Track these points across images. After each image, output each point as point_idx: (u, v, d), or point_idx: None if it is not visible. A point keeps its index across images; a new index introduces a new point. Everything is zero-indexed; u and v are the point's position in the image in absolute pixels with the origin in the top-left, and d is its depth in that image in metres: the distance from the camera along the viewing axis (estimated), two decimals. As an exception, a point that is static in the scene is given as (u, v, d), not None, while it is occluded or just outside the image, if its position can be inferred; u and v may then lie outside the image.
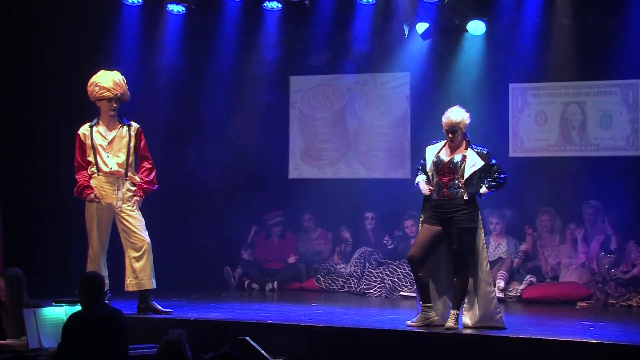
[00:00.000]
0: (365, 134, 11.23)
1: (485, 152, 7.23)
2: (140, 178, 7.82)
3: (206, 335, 6.98)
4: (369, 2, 10.16)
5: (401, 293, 9.74)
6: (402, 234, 10.32)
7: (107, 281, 7.67)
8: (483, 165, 7.16)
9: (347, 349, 6.94)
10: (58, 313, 6.77)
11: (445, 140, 7.28)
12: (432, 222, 7.21)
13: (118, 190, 7.76)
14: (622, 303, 9.19)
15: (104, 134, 7.80)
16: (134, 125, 7.87)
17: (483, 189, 7.17)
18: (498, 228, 9.95)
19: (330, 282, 10.31)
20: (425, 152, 7.38)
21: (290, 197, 11.14)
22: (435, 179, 7.22)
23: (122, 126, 7.82)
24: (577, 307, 9.13)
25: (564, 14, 9.96)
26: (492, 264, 9.79)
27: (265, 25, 10.59)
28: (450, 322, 7.07)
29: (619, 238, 9.57)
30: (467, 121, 7.21)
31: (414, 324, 7.16)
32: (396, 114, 11.13)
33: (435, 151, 7.29)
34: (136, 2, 10.01)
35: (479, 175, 7.16)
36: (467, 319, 7.21)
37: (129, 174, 7.80)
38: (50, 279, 8.97)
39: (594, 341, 6.56)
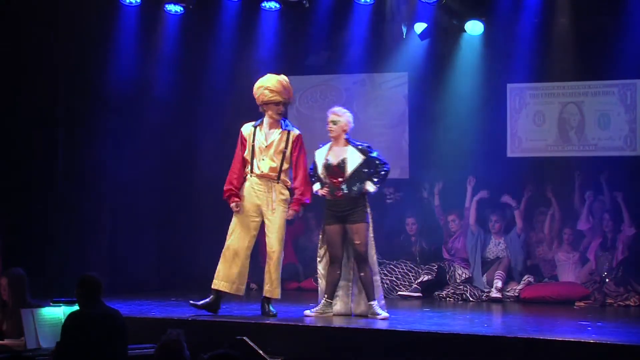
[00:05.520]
0: (363, 133, 11.16)
1: (364, 146, 7.77)
2: (295, 189, 7.82)
3: (204, 335, 6.99)
4: (367, 2, 10.16)
5: (399, 293, 9.74)
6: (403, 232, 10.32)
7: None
8: (364, 160, 7.69)
9: (345, 349, 6.94)
10: (56, 313, 6.77)
11: (331, 143, 7.81)
12: (332, 222, 7.73)
13: (269, 192, 7.77)
14: (620, 303, 9.20)
15: (265, 136, 7.82)
16: (294, 132, 7.87)
17: (370, 186, 7.69)
18: (497, 227, 9.95)
19: (328, 282, 10.30)
20: (314, 157, 7.85)
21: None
22: (327, 181, 7.72)
23: (283, 131, 7.83)
24: (575, 307, 9.14)
25: (562, 14, 9.97)
26: (490, 263, 9.83)
27: (263, 25, 10.58)
28: (381, 312, 7.63)
29: (615, 237, 9.59)
30: (349, 120, 7.79)
31: (313, 314, 7.70)
32: (394, 114, 11.13)
33: (323, 155, 7.80)
34: (134, 2, 10.01)
35: (364, 171, 7.69)
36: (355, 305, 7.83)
37: (282, 177, 7.80)
38: (48, 280, 8.96)
39: (591, 341, 6.57)
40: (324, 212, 7.84)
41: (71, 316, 5.92)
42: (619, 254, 9.46)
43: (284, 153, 7.80)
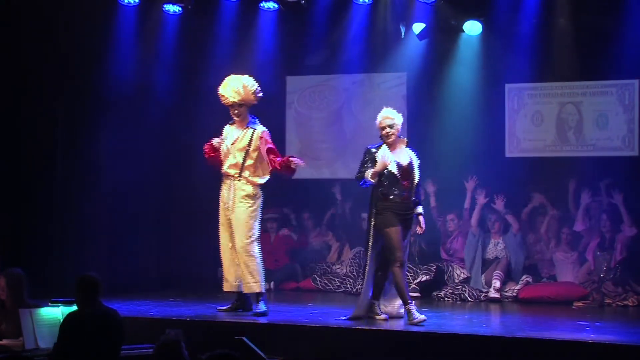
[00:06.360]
0: (362, 134, 11.21)
1: (417, 153, 7.62)
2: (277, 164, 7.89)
3: (203, 335, 6.99)
4: (365, 2, 10.18)
5: (398, 293, 9.73)
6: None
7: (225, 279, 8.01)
8: (419, 164, 7.55)
9: (345, 349, 6.94)
10: (54, 313, 6.75)
11: (382, 143, 7.51)
12: (396, 223, 7.41)
13: (230, 190, 7.87)
14: (618, 303, 9.20)
15: (233, 135, 7.95)
16: (259, 129, 7.95)
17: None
18: (496, 226, 9.96)
19: (326, 282, 10.31)
20: (369, 156, 7.52)
21: (288, 197, 11.14)
22: (399, 182, 7.40)
23: (247, 129, 7.93)
24: (573, 307, 9.14)
25: (561, 14, 9.98)
26: (488, 263, 9.83)
27: (262, 25, 10.59)
28: (381, 314, 7.60)
29: (613, 237, 9.60)
30: (402, 120, 7.57)
31: (416, 320, 7.28)
32: (393, 114, 11.11)
33: (388, 155, 7.45)
34: (132, 2, 10.02)
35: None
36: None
37: (244, 175, 7.88)
38: (47, 279, 8.96)
39: (590, 341, 6.58)
40: (382, 214, 7.44)
41: (69, 316, 5.92)
42: (617, 254, 9.47)
43: (247, 150, 7.90)
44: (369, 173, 7.43)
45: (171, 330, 5.06)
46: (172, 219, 10.72)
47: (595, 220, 9.75)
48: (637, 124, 10.15)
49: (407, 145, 7.63)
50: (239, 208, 7.84)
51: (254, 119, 8.05)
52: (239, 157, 7.88)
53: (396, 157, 7.47)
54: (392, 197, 7.40)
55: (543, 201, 9.98)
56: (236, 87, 7.87)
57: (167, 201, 10.65)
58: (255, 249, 7.82)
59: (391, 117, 7.50)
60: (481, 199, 9.98)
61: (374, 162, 7.46)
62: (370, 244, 7.55)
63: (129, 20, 10.13)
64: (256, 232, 7.86)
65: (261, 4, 10.31)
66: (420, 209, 7.61)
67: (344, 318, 7.47)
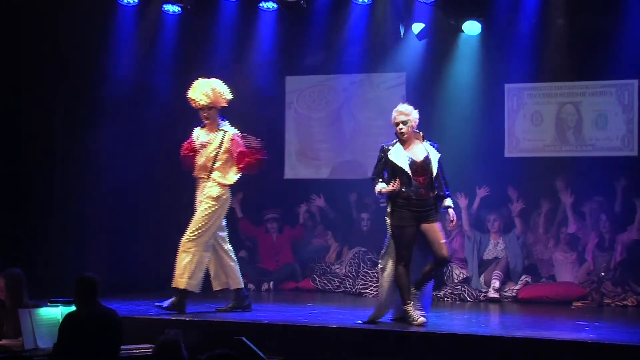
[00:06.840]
0: (361, 134, 11.23)
1: (436, 146, 7.40)
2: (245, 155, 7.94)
3: (202, 336, 7.00)
4: (364, 2, 10.19)
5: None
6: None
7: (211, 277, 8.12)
8: (439, 158, 7.32)
9: (344, 349, 6.95)
10: (53, 313, 6.75)
11: (398, 140, 7.34)
12: (411, 224, 7.22)
13: (200, 191, 7.98)
14: (618, 303, 9.20)
15: (204, 137, 8.03)
16: (230, 131, 8.01)
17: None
18: (496, 225, 9.96)
19: (326, 282, 10.32)
20: (384, 154, 7.31)
21: (287, 198, 11.14)
22: (414, 180, 7.21)
23: (217, 131, 8.00)
24: (572, 307, 9.15)
25: (560, 14, 9.98)
26: (488, 263, 9.83)
27: (261, 25, 10.60)
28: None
29: (613, 238, 9.60)
30: (417, 116, 7.34)
31: (418, 321, 7.22)
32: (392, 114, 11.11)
33: (401, 153, 7.28)
34: (132, 2, 10.03)
35: (439, 170, 7.33)
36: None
37: (212, 176, 7.94)
38: (46, 280, 8.96)
39: (589, 341, 6.59)
40: (397, 211, 7.21)
41: (68, 316, 5.93)
42: (617, 255, 9.47)
43: (217, 152, 7.98)
44: (377, 188, 7.31)
45: (171, 330, 5.07)
46: (172, 219, 10.71)
47: (594, 220, 9.75)
48: (636, 124, 10.15)
49: (426, 139, 7.41)
50: (201, 206, 7.92)
51: (223, 120, 8.10)
52: (209, 159, 7.96)
53: (410, 153, 7.28)
54: (407, 193, 7.21)
55: (516, 195, 9.97)
56: (205, 90, 7.94)
57: (167, 201, 10.64)
58: (193, 248, 7.87)
59: (406, 112, 7.30)
60: (462, 201, 9.95)
61: (387, 160, 7.30)
62: (386, 243, 7.37)
63: (128, 20, 10.14)
64: (203, 233, 7.87)
65: (260, 4, 10.32)
66: (448, 202, 7.35)
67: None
